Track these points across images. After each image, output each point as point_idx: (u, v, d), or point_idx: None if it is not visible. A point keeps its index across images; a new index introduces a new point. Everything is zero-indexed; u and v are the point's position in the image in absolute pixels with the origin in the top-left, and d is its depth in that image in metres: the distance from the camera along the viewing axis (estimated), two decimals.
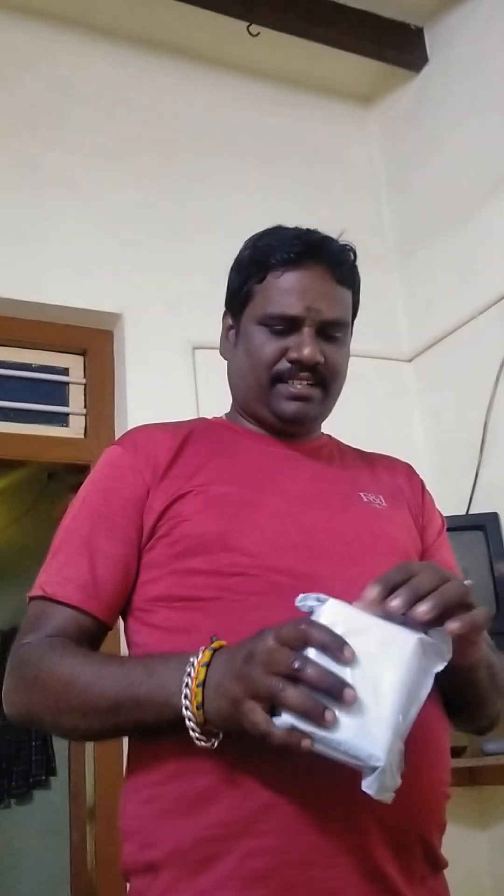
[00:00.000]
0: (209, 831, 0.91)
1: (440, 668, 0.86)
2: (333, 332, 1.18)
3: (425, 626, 0.86)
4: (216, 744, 0.89)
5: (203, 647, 0.90)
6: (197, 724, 0.88)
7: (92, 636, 1.07)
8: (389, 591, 0.85)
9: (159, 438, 1.17)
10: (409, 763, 0.86)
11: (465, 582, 0.89)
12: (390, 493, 1.22)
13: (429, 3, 3.05)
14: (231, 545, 1.04)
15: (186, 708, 0.88)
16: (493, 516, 2.39)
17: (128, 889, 1.01)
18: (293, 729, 0.79)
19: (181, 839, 0.92)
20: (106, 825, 2.20)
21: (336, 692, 0.79)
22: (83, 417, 2.61)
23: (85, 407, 2.62)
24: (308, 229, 1.22)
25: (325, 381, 1.18)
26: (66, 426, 2.60)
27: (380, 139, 3.34)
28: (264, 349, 1.17)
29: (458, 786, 2.39)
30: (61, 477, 3.07)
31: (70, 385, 2.65)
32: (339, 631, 0.82)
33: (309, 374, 1.16)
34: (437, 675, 0.87)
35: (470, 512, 2.51)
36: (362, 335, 2.90)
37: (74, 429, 2.60)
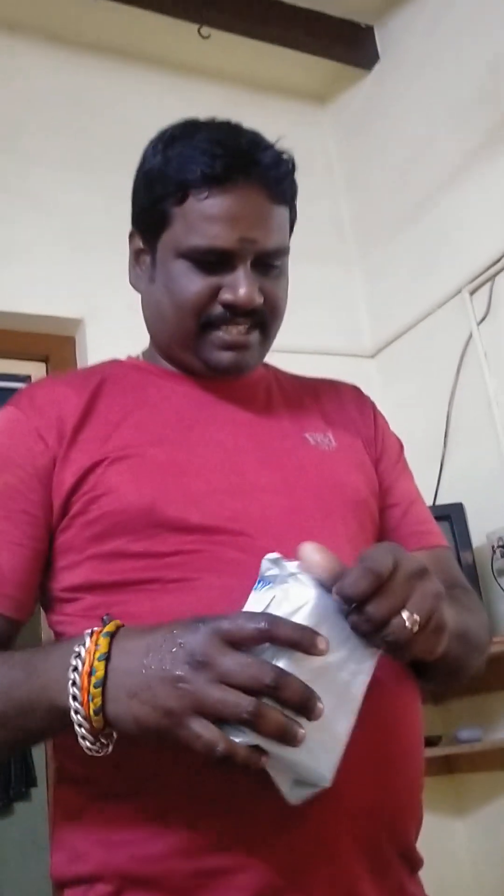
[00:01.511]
0: (148, 854, 0.79)
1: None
2: (272, 262, 0.99)
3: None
4: (111, 749, 0.74)
5: (92, 631, 0.74)
6: (91, 730, 0.73)
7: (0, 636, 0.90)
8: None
9: (63, 394, 0.97)
10: (383, 762, 0.81)
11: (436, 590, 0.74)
12: (339, 427, 1.05)
13: (378, 1, 3.07)
14: (161, 520, 0.87)
15: (77, 712, 0.72)
16: (459, 507, 2.42)
17: None
18: (251, 747, 0.66)
19: (115, 857, 0.81)
20: None
21: (310, 709, 0.66)
22: None
23: None
24: (231, 127, 1.03)
25: (265, 322, 1.00)
26: None
27: (335, 137, 3.36)
28: (189, 289, 0.97)
29: (434, 775, 2.43)
30: None
31: None
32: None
33: (245, 318, 0.97)
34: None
35: (436, 503, 2.54)
36: (324, 332, 2.95)
37: None
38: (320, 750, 0.69)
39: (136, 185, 1.05)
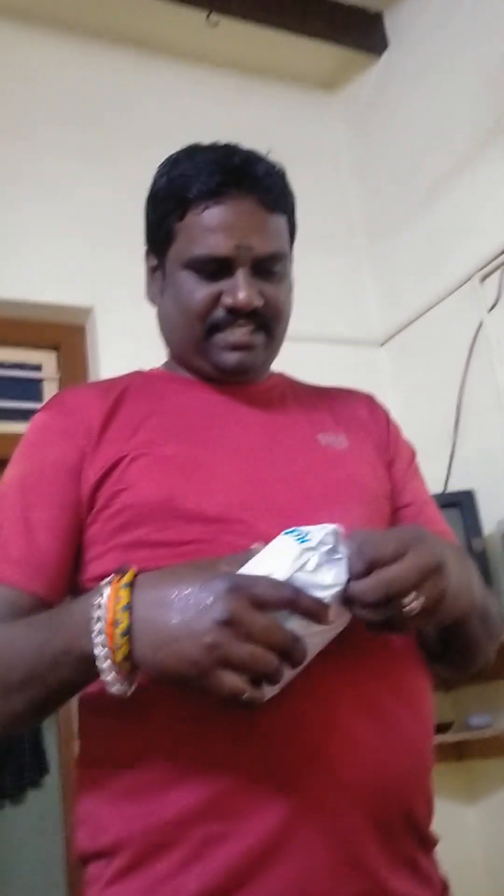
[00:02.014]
0: (163, 817, 0.84)
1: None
2: (270, 267, 1.05)
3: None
4: (130, 692, 0.79)
5: (111, 580, 0.80)
6: (119, 677, 0.78)
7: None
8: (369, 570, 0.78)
9: (89, 399, 1.05)
10: (387, 738, 0.84)
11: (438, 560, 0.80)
12: (352, 430, 1.10)
13: None
14: (179, 511, 0.93)
15: (104, 660, 0.77)
16: (469, 494, 2.42)
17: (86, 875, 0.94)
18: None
19: (133, 825, 0.85)
20: None
21: (300, 665, 0.76)
22: None
23: None
24: (228, 148, 1.08)
25: (268, 324, 1.06)
26: None
27: (344, 125, 3.35)
28: (194, 297, 1.04)
29: (446, 762, 2.44)
30: None
31: (44, 381, 2.65)
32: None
33: (248, 320, 1.04)
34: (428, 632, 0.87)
35: (446, 491, 2.54)
36: (334, 320, 2.95)
37: None
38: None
39: (146, 207, 1.13)
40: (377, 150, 3.16)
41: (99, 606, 0.78)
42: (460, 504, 2.37)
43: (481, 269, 2.61)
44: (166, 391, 1.09)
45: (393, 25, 3.14)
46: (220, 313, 1.04)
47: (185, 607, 0.75)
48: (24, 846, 4.18)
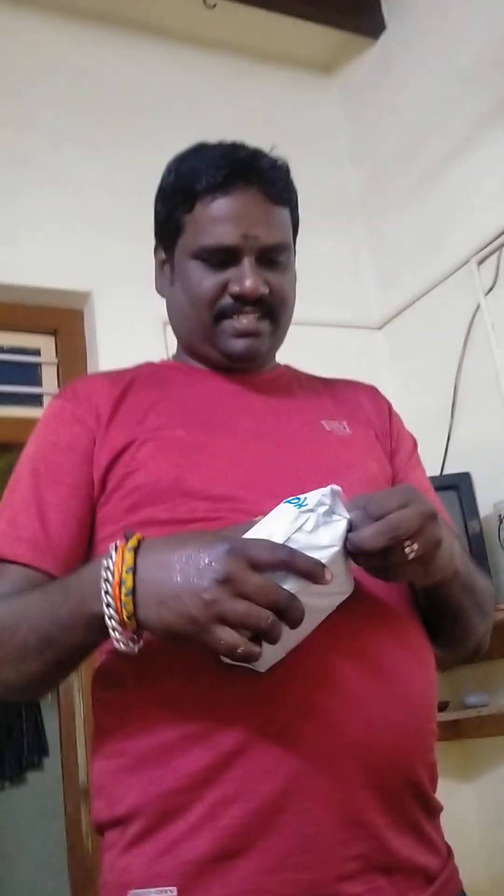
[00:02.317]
0: (175, 783, 0.87)
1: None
2: (275, 256, 1.10)
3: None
4: (137, 649, 0.84)
5: (117, 545, 0.84)
6: (125, 634, 0.82)
7: None
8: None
9: (100, 386, 1.10)
10: (389, 699, 0.87)
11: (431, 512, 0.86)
12: (354, 418, 1.14)
13: None
14: (186, 490, 0.97)
15: (111, 618, 0.82)
16: (466, 476, 2.44)
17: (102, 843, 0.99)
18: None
19: (147, 792, 0.89)
20: None
21: (297, 624, 0.78)
22: None
23: (58, 387, 2.62)
24: (234, 144, 1.13)
25: (273, 311, 1.10)
26: (41, 407, 2.60)
27: (341, 107, 3.34)
28: (203, 285, 1.08)
29: (443, 740, 2.46)
30: None
31: (42, 366, 2.66)
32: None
33: (254, 308, 1.08)
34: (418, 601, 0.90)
35: (443, 473, 2.56)
36: (332, 304, 2.96)
37: None
38: (277, 649, 0.81)
39: (156, 202, 1.17)
40: (374, 132, 3.15)
41: (107, 568, 0.82)
42: (457, 486, 2.39)
43: (478, 252, 2.61)
44: (175, 380, 1.13)
45: (390, 8, 3.13)
46: (227, 301, 1.08)
47: (186, 568, 0.79)
48: (24, 829, 4.22)
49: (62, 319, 2.68)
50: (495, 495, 2.40)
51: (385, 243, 3.08)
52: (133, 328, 2.60)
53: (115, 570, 0.82)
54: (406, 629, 0.98)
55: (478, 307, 2.61)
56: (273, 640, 0.77)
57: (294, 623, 0.77)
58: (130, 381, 1.11)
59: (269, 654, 0.81)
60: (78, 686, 2.47)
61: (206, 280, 1.08)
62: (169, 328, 2.83)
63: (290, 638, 0.81)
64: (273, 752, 0.85)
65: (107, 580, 0.82)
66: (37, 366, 2.66)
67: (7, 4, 2.81)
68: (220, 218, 1.07)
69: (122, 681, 0.94)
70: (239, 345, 1.10)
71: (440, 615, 1.02)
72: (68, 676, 0.97)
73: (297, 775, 0.85)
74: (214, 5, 2.89)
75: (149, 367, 1.18)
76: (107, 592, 0.82)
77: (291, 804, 0.85)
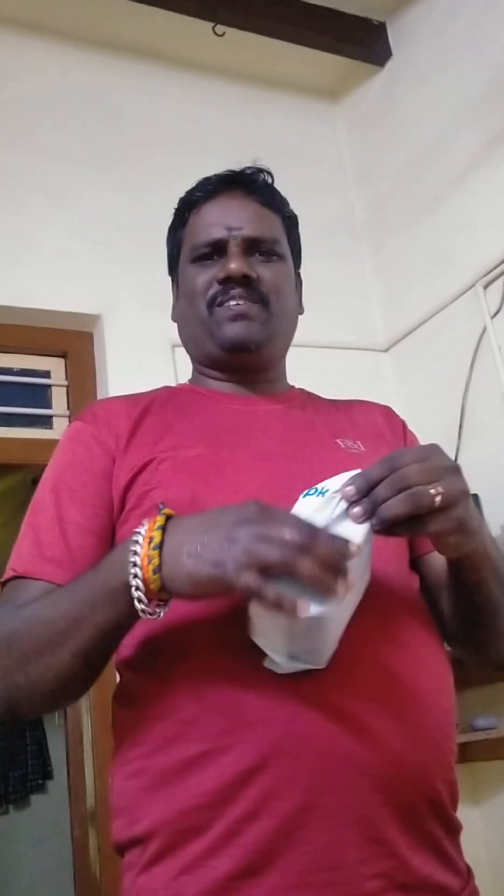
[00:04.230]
0: (195, 801, 0.86)
1: None
2: (265, 249, 1.15)
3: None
4: (161, 614, 0.84)
5: (150, 518, 0.85)
6: (148, 592, 0.82)
7: None
8: (369, 489, 0.81)
9: (119, 408, 1.12)
10: (411, 716, 0.86)
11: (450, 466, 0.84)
12: (368, 437, 1.14)
13: None
14: (201, 507, 0.95)
15: (136, 576, 0.81)
16: (474, 498, 2.42)
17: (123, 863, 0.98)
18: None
19: (166, 811, 0.88)
20: (108, 827, 2.19)
21: (339, 566, 0.74)
22: (66, 419, 2.63)
23: (68, 408, 2.64)
24: (230, 169, 1.21)
25: (265, 297, 1.13)
26: (50, 428, 2.62)
27: (347, 134, 3.38)
28: (196, 281, 1.14)
29: None
30: None
31: (52, 387, 2.68)
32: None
33: (242, 291, 1.11)
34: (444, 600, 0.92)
35: None
36: (338, 327, 2.98)
37: (58, 431, 2.60)
38: (329, 634, 0.81)
39: (167, 239, 1.25)
40: (381, 158, 3.19)
41: (138, 533, 0.83)
42: None
43: (485, 275, 2.63)
44: (191, 402, 1.16)
45: (396, 35, 3.18)
46: (216, 287, 1.13)
47: (214, 522, 0.80)
48: (28, 850, 4.19)
49: (72, 342, 2.70)
50: (503, 517, 2.40)
51: (391, 266, 3.10)
52: (142, 350, 2.62)
53: (146, 532, 0.82)
54: (423, 643, 0.97)
55: (484, 330, 2.63)
56: (303, 576, 0.74)
57: (323, 557, 0.74)
58: (148, 404, 1.13)
59: (321, 646, 0.81)
60: (86, 707, 2.46)
61: (199, 277, 1.15)
62: (178, 351, 2.85)
63: (337, 624, 0.80)
64: (292, 769, 0.85)
65: (136, 542, 0.83)
66: (47, 388, 2.68)
67: (18, 31, 2.86)
68: (207, 219, 1.16)
69: (140, 699, 0.94)
70: (231, 329, 1.12)
71: (472, 607, 1.00)
72: (94, 676, 0.95)
73: (316, 792, 0.84)
74: (223, 33, 2.93)
75: (165, 390, 1.21)
76: (135, 553, 0.82)
77: (311, 821, 0.84)
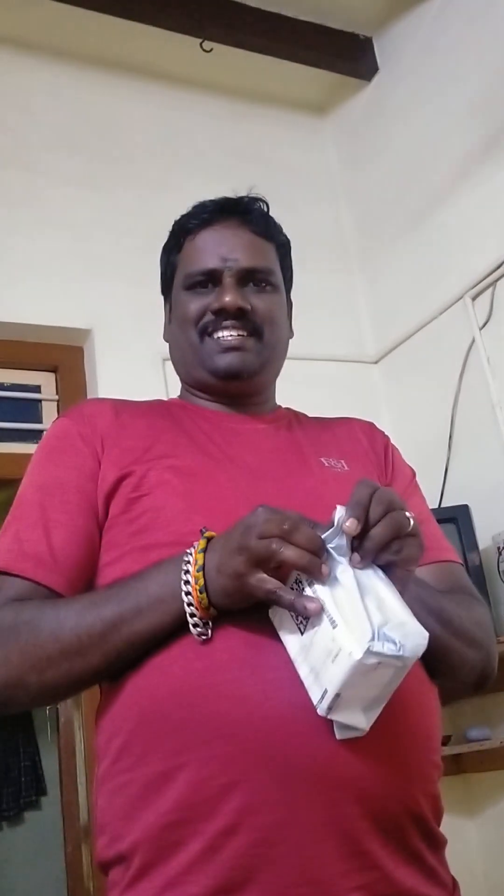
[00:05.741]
0: (173, 816, 0.86)
1: None
2: (259, 280, 1.16)
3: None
4: (210, 633, 0.89)
5: (198, 541, 0.90)
6: (198, 608, 0.87)
7: None
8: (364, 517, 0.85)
9: (107, 409, 1.12)
10: (391, 729, 0.85)
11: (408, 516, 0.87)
12: (352, 455, 1.16)
13: (376, 13, 3.13)
14: (191, 518, 0.98)
15: (187, 594, 0.87)
16: (464, 508, 2.45)
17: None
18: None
19: (147, 828, 0.87)
20: None
21: (316, 554, 0.82)
22: None
23: None
24: (226, 196, 1.22)
25: (258, 329, 1.14)
26: None
27: (335, 147, 3.41)
28: (189, 308, 1.15)
29: (444, 775, 2.44)
30: None
31: (43, 402, 2.68)
32: None
33: (236, 322, 1.13)
34: None
35: (442, 505, 2.57)
36: (328, 339, 2.99)
37: None
38: (370, 708, 0.83)
39: (160, 261, 1.25)
40: (368, 172, 3.21)
41: (189, 554, 0.90)
42: (456, 519, 2.40)
43: (473, 287, 2.65)
44: (181, 415, 1.16)
45: (383, 50, 3.20)
46: (209, 317, 1.14)
47: (231, 536, 0.87)
48: (20, 867, 4.16)
49: (62, 356, 2.71)
50: (494, 527, 2.41)
51: (380, 279, 3.12)
52: (132, 365, 2.62)
53: (195, 552, 0.89)
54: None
55: (472, 341, 2.64)
56: (288, 562, 0.82)
57: (302, 544, 0.82)
58: (136, 409, 1.14)
59: (366, 712, 0.83)
60: (79, 724, 2.45)
61: (192, 304, 1.15)
62: (168, 365, 2.85)
63: (372, 712, 0.83)
64: (271, 782, 0.84)
65: (187, 561, 0.89)
66: (37, 402, 2.68)
67: (6, 48, 2.87)
68: (203, 247, 1.16)
69: (114, 715, 0.94)
70: (224, 360, 1.14)
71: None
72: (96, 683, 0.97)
73: (294, 806, 0.84)
74: (211, 49, 2.95)
75: (157, 401, 1.23)
76: (186, 572, 0.88)
77: (290, 835, 0.83)
